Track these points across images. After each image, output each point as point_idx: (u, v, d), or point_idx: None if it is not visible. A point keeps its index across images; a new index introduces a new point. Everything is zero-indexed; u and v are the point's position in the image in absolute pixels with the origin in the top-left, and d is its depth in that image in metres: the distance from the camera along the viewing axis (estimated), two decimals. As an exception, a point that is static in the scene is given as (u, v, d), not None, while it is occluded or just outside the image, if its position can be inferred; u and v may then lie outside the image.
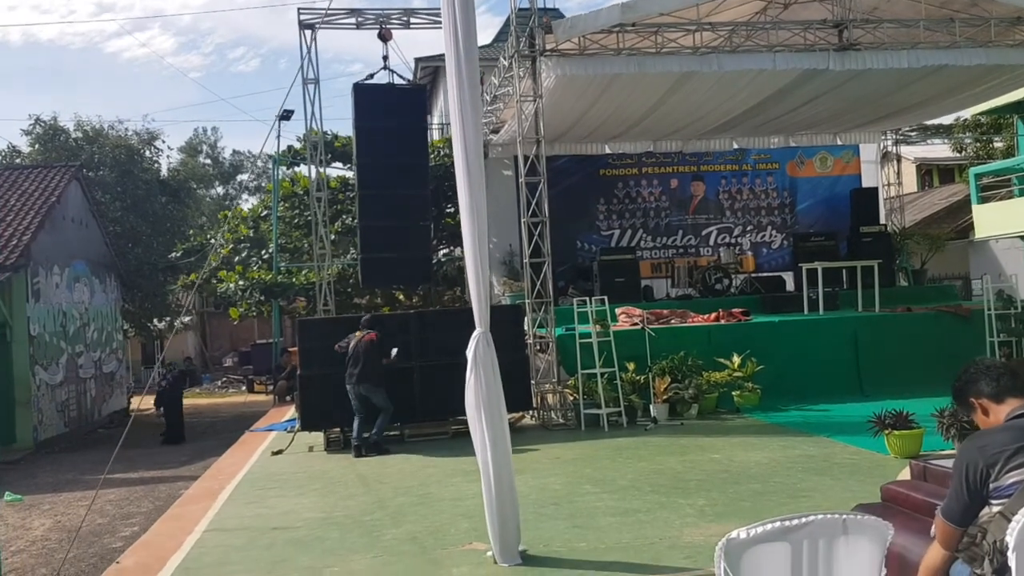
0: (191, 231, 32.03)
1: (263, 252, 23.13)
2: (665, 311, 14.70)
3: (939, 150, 28.83)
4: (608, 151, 19.26)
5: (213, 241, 25.61)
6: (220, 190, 52.46)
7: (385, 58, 13.65)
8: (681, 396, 12.15)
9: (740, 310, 14.51)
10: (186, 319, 37.56)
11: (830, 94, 15.67)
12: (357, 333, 11.41)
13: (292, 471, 10.31)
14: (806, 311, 14.87)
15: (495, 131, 17.57)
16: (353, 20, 13.77)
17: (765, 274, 18.62)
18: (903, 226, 20.24)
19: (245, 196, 51.12)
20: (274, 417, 16.43)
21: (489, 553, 6.04)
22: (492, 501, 5.95)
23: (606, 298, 12.86)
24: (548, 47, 12.83)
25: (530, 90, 12.99)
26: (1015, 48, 13.93)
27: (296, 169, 22.96)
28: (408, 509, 7.82)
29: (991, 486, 3.03)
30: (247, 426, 16.45)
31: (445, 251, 21.96)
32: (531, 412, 12.67)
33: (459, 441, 11.34)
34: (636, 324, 13.49)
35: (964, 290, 20.65)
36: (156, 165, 34.04)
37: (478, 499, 7.46)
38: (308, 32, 13.50)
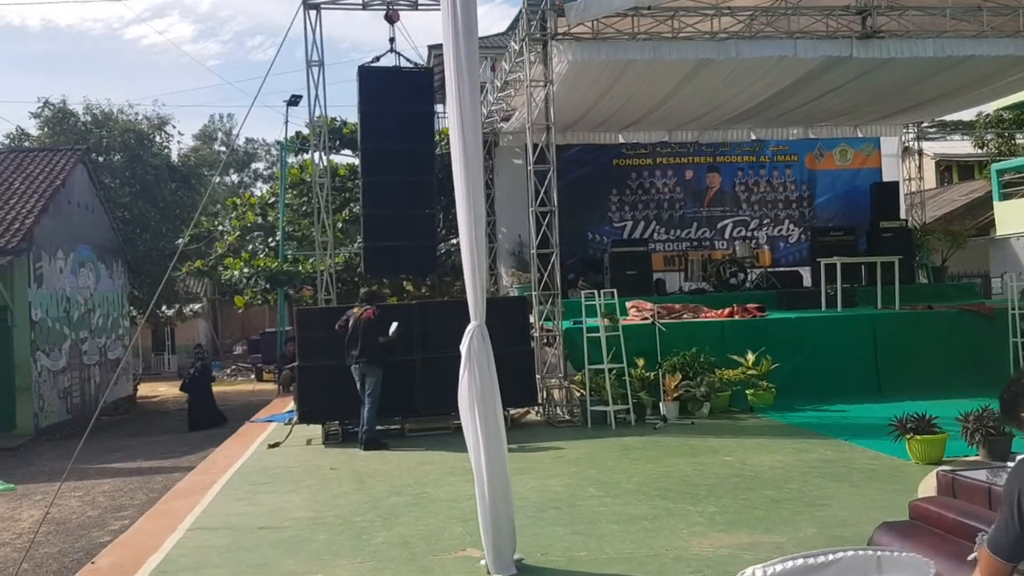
0: (203, 219, 31.78)
1: (271, 240, 22.85)
2: (677, 305, 14.28)
3: (958, 146, 28.27)
4: (622, 140, 18.85)
5: (221, 228, 25.38)
6: (235, 178, 52.25)
7: (392, 40, 13.27)
8: (692, 394, 11.72)
9: (755, 305, 14.06)
10: (196, 307, 37.39)
11: (852, 84, 15.19)
12: (355, 309, 11.04)
13: (287, 465, 9.96)
14: (824, 308, 14.42)
15: (505, 119, 17.16)
16: (359, 0, 13.36)
17: (781, 269, 18.19)
18: (924, 222, 19.72)
19: (259, 184, 50.91)
20: (276, 408, 16.12)
21: (483, 562, 5.66)
22: (485, 506, 5.57)
23: (615, 291, 12.43)
24: (560, 31, 12.41)
25: (541, 75, 12.57)
26: (1045, 38, 13.40)
27: (305, 156, 22.63)
28: (401, 510, 7.45)
29: None
30: (249, 416, 16.16)
31: (455, 241, 21.58)
32: (536, 408, 12.29)
33: (461, 437, 10.91)
34: (647, 318, 13.07)
35: (984, 288, 20.16)
36: (166, 150, 33.75)
37: (475, 501, 7.10)
38: (313, 13, 13.10)
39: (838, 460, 8.55)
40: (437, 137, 14.88)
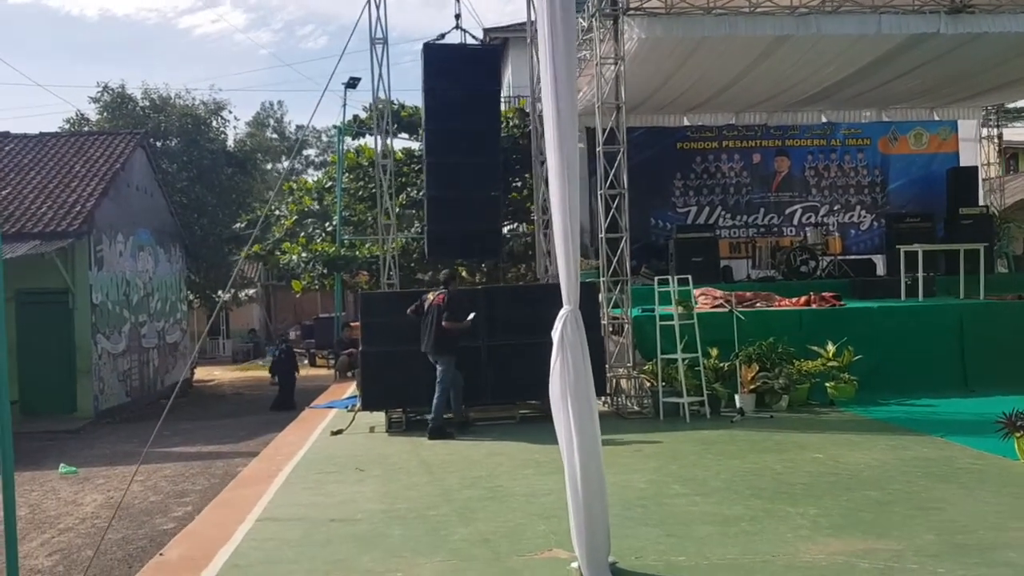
0: (256, 204, 31.79)
1: (327, 225, 22.66)
2: (748, 294, 13.72)
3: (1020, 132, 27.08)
4: (687, 123, 18.28)
5: (277, 212, 25.29)
6: (286, 164, 52.40)
7: (457, 16, 12.89)
8: (770, 386, 11.16)
9: (832, 294, 13.44)
10: (251, 291, 37.55)
11: (935, 63, 14.43)
12: (430, 294, 10.69)
13: (352, 453, 9.66)
14: (903, 297, 13.75)
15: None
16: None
17: (853, 257, 17.54)
18: (1002, 208, 18.85)
19: (310, 171, 50.99)
20: (335, 393, 15.91)
21: (574, 564, 5.25)
22: (579, 504, 5.14)
23: (690, 277, 11.92)
24: (632, 5, 11.91)
25: (611, 52, 12.09)
26: None
27: (361, 140, 22.37)
28: (477, 504, 7.09)
29: None
30: (307, 401, 15.99)
31: (511, 227, 21.16)
32: (603, 399, 11.85)
33: (527, 427, 10.63)
34: (718, 306, 12.56)
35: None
36: (223, 135, 33.83)
37: (555, 496, 6.71)
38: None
39: (939, 459, 7.99)
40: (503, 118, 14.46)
